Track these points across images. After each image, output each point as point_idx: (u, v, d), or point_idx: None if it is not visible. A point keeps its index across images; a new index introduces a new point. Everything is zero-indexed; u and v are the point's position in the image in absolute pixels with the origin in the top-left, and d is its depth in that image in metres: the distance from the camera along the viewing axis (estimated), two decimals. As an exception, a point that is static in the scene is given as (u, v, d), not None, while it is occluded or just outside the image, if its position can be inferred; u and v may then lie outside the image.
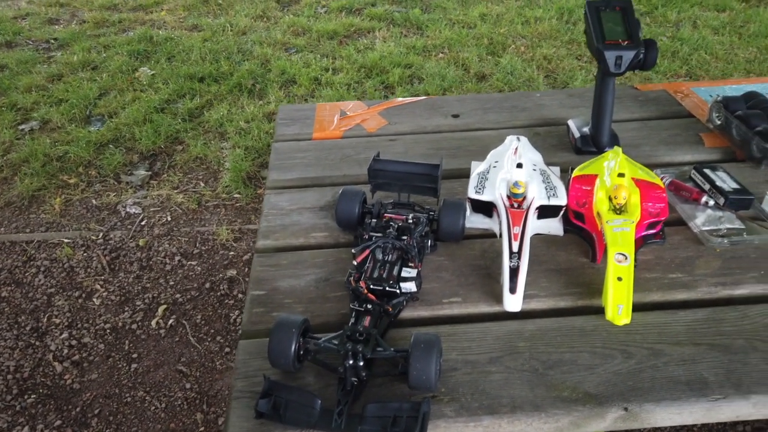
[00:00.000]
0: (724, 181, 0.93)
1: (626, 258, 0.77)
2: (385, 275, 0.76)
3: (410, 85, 2.88)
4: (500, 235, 0.84)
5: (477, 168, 0.96)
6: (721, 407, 0.65)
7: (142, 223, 2.14)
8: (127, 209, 2.20)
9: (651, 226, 0.86)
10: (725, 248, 0.85)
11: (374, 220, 0.85)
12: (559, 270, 0.82)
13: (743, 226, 0.88)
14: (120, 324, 1.75)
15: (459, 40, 3.30)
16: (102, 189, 2.31)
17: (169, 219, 2.16)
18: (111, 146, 2.50)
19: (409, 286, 0.76)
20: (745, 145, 1.03)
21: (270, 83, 2.93)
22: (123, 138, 2.57)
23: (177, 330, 1.74)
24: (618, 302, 0.74)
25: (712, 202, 0.91)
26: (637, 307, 0.75)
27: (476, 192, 0.90)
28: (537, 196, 0.87)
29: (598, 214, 0.85)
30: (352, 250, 0.80)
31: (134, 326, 1.75)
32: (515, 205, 0.87)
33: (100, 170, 2.40)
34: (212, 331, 1.74)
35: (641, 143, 1.10)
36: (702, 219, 0.89)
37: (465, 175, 1.01)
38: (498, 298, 0.78)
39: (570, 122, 1.12)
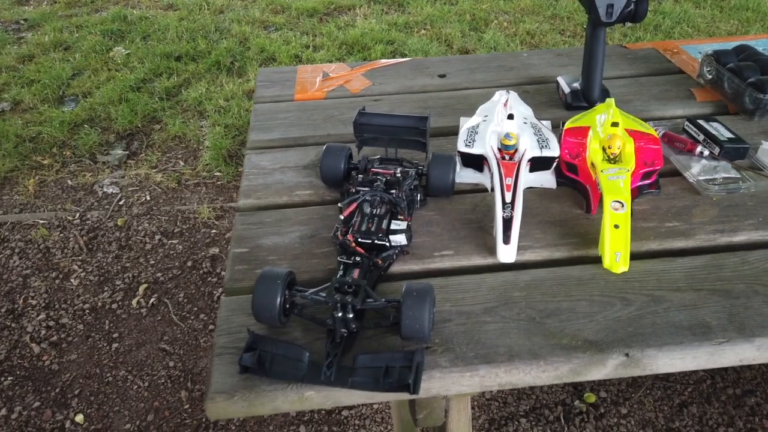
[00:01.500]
0: (719, 131, 0.91)
1: (623, 205, 0.74)
2: (373, 228, 0.73)
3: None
4: (492, 189, 0.81)
5: (466, 123, 0.93)
6: (725, 351, 0.63)
7: (120, 202, 2.08)
8: (105, 189, 2.14)
9: (646, 176, 0.83)
10: (722, 197, 0.83)
11: (361, 176, 0.81)
12: (554, 222, 0.80)
13: (739, 175, 0.86)
14: (99, 304, 1.70)
15: (441, 16, 3.26)
16: (77, 169, 2.24)
17: (148, 198, 2.11)
18: (86, 126, 2.43)
19: (399, 239, 0.73)
20: (738, 98, 1.01)
21: (249, 61, 2.87)
22: (98, 118, 2.49)
23: (159, 309, 1.70)
24: (615, 249, 0.71)
25: (707, 152, 0.89)
26: (635, 256, 0.73)
27: (466, 145, 0.87)
28: (529, 148, 0.84)
29: (592, 164, 0.82)
30: (339, 204, 0.77)
31: (114, 306, 1.70)
32: (507, 157, 0.84)
33: (75, 150, 2.32)
34: (195, 309, 1.69)
35: (632, 99, 1.07)
36: (697, 169, 0.87)
37: (453, 132, 0.98)
38: (491, 251, 0.75)
39: (559, 78, 1.09)
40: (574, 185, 0.85)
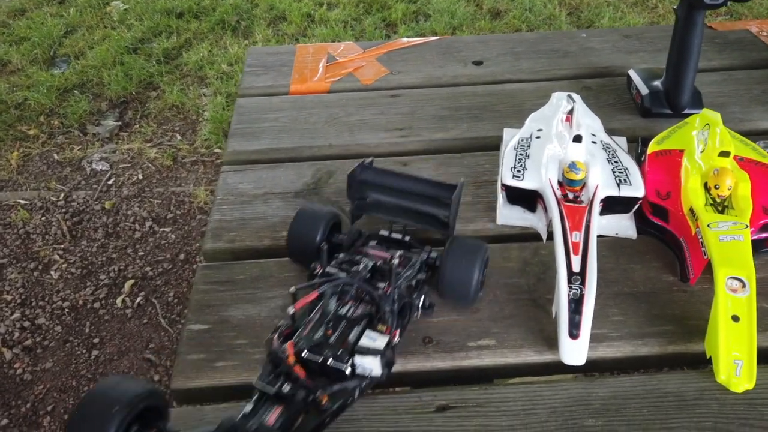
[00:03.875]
0: None
1: (744, 285, 0.52)
2: (332, 340, 0.46)
3: (415, 23, 2.55)
4: (547, 238, 0.58)
5: (512, 139, 0.70)
6: None
7: (110, 182, 1.88)
8: (93, 165, 1.94)
9: (765, 227, 0.60)
10: None
11: (342, 255, 0.56)
12: (635, 294, 0.57)
13: None
14: (80, 302, 1.52)
15: (471, -29, 2.93)
16: (65, 142, 2.04)
17: (140, 177, 1.90)
18: (76, 92, 2.21)
19: (369, 365, 0.45)
20: None
21: (257, 20, 2.61)
22: (90, 83, 2.27)
23: (146, 310, 1.51)
24: (734, 356, 0.49)
25: (844, 191, 0.64)
26: (762, 358, 0.50)
27: (514, 177, 0.64)
28: (602, 184, 0.61)
29: (690, 210, 0.59)
30: (291, 289, 0.50)
31: (96, 305, 1.52)
32: (571, 196, 0.61)
33: (64, 120, 2.11)
34: (186, 311, 1.50)
35: (726, 102, 0.83)
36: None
37: (493, 146, 0.75)
38: (549, 341, 0.53)
39: (632, 72, 0.84)
40: (662, 235, 0.62)
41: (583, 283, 0.53)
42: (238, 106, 0.84)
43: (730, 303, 0.51)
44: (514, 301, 0.57)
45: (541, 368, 0.52)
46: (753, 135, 0.74)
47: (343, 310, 0.49)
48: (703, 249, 0.56)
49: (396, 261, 0.52)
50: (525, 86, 0.87)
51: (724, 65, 0.91)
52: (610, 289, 0.58)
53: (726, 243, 0.54)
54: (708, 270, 0.55)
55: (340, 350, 0.45)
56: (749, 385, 0.48)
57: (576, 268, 0.54)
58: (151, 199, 1.82)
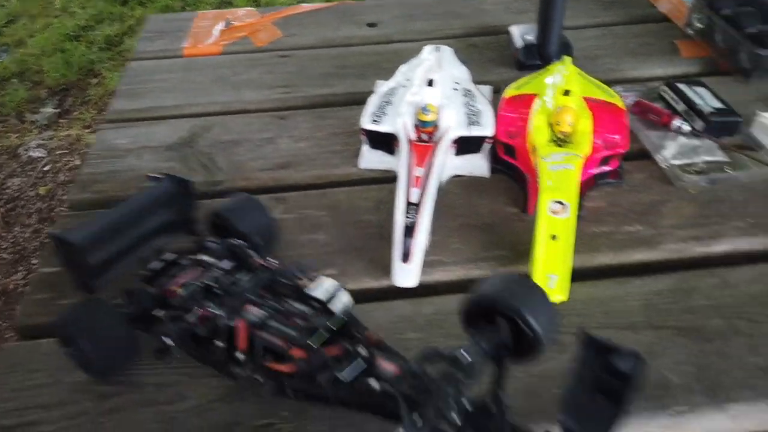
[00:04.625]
0: (704, 98, 0.70)
1: (564, 208, 0.55)
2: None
3: None
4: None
5: (380, 88, 0.72)
6: (689, 422, 0.45)
7: (45, 168, 1.87)
8: (30, 153, 1.93)
9: (605, 160, 0.64)
10: (702, 189, 0.63)
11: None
12: (479, 225, 0.60)
13: (726, 159, 0.66)
14: (11, 287, 1.52)
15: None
16: (2, 130, 2.02)
17: (77, 163, 1.90)
18: (15, 81, 2.19)
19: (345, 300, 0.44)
20: (732, 53, 0.80)
21: (202, 5, 2.60)
22: (29, 71, 2.25)
23: (80, 290, 1.52)
24: (549, 270, 0.52)
25: (686, 127, 0.68)
26: (579, 275, 0.54)
27: (373, 121, 0.66)
28: (454, 125, 0.64)
29: (533, 147, 0.62)
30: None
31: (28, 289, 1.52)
32: (424, 137, 0.64)
33: (1, 108, 2.09)
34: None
35: (601, 54, 0.86)
36: (672, 150, 0.67)
37: (370, 99, 0.78)
38: (389, 270, 0.56)
39: (512, 28, 0.88)
40: (512, 173, 0.66)
41: (417, 212, 0.56)
42: (128, 69, 0.85)
43: (550, 224, 0.54)
44: (364, 235, 0.60)
45: (377, 294, 0.54)
46: (620, 83, 0.77)
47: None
48: (538, 180, 0.59)
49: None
50: (413, 45, 0.89)
51: (607, 21, 0.94)
52: (455, 222, 0.61)
53: (555, 171, 0.58)
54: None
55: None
56: (563, 297, 0.52)
57: (414, 199, 0.57)
58: (87, 162, 1.81)
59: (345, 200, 0.64)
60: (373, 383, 0.38)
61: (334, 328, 0.42)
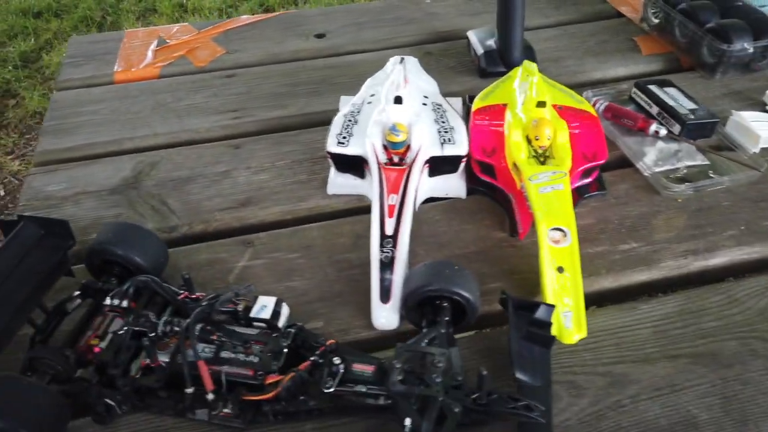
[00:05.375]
0: (677, 100, 0.68)
1: (565, 235, 0.51)
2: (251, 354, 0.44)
3: (294, 5, 2.48)
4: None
5: (345, 106, 0.67)
6: (722, 461, 0.42)
7: (-36, 202, 1.70)
8: (-56, 187, 1.75)
9: (586, 173, 0.60)
10: (688, 197, 0.61)
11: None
12: (466, 255, 0.56)
13: (706, 162, 0.64)
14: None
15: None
16: None
17: (2, 193, 1.74)
18: None
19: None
20: (693, 49, 0.79)
21: (124, 14, 2.45)
22: (-64, 96, 2.05)
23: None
24: (562, 309, 0.48)
25: (663, 131, 0.66)
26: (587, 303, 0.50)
27: (339, 144, 0.61)
28: (426, 144, 0.60)
29: (514, 165, 0.58)
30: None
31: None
32: (396, 159, 0.59)
33: None
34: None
35: (562, 56, 0.83)
36: (653, 155, 0.65)
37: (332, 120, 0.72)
38: (375, 312, 0.51)
39: (470, 34, 0.83)
40: (493, 193, 0.61)
41: (394, 245, 0.51)
42: (53, 101, 0.76)
43: (554, 255, 0.50)
44: (344, 279, 0.54)
45: (376, 343, 0.49)
46: (586, 86, 0.75)
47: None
48: (528, 203, 0.55)
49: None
50: (367, 56, 0.85)
51: (561, 21, 0.92)
52: (441, 253, 0.56)
53: (546, 194, 0.54)
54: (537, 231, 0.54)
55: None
56: (582, 334, 0.48)
57: (389, 231, 0.52)
58: (17, 215, 1.67)
59: (319, 238, 0.58)
60: (359, 387, 0.41)
61: (290, 344, 0.43)
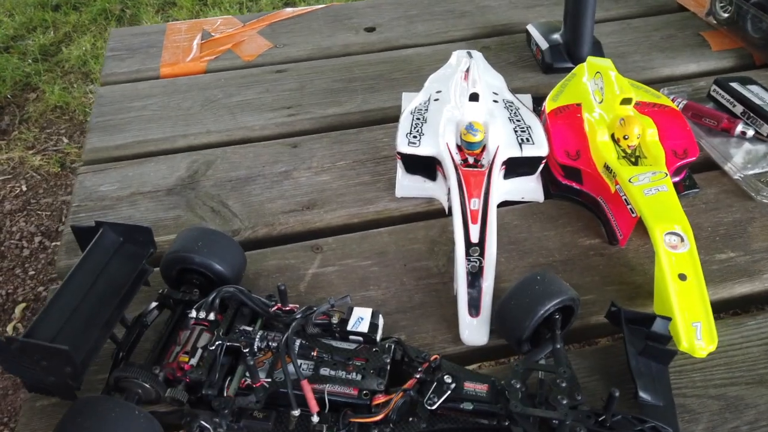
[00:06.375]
0: (763, 98, 0.65)
1: (683, 240, 0.47)
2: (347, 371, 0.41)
3: None
4: (450, 211, 0.53)
5: (411, 103, 0.63)
6: None
7: (-13, 198, 1.68)
8: (-33, 182, 1.73)
9: (677, 171, 0.57)
10: (783, 201, 0.57)
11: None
12: (551, 264, 0.52)
13: (798, 165, 0.60)
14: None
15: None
16: (-69, 158, 1.81)
17: (24, 189, 1.72)
18: (-60, 101, 1.97)
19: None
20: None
21: (143, 7, 2.41)
22: (-44, 89, 2.03)
23: (42, 335, 1.36)
24: (692, 318, 0.44)
25: (750, 132, 0.62)
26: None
27: (410, 144, 0.57)
28: (503, 145, 0.56)
29: (606, 167, 0.54)
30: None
31: (-17, 336, 1.35)
32: (471, 160, 0.56)
33: (-73, 134, 1.88)
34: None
35: (627, 51, 0.79)
36: (741, 157, 0.61)
37: (392, 117, 0.68)
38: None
39: (531, 27, 0.80)
40: (578, 197, 0.58)
41: (482, 254, 0.48)
42: (98, 96, 0.73)
43: (674, 261, 0.46)
44: (424, 288, 0.51)
45: (464, 358, 0.46)
46: (656, 83, 0.71)
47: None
48: (629, 207, 0.51)
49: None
50: (421, 50, 0.81)
51: (622, 14, 0.88)
52: (524, 261, 0.53)
53: (652, 196, 0.50)
54: (637, 228, 0.50)
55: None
56: (713, 347, 0.44)
57: (474, 238, 0.49)
58: (39, 212, 1.64)
59: (391, 243, 0.54)
60: (465, 405, 0.38)
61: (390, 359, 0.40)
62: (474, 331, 0.46)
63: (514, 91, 0.68)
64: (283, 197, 0.59)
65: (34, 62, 2.13)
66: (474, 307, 0.46)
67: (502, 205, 0.58)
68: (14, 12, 2.39)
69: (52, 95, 1.99)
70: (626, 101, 0.57)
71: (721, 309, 0.49)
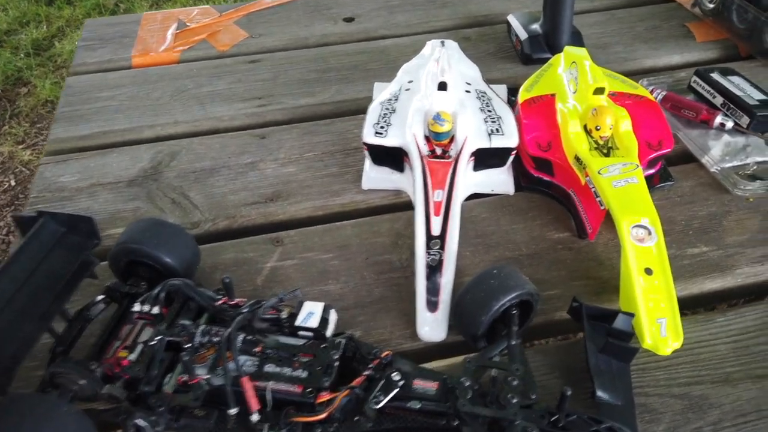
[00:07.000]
0: (744, 89, 0.63)
1: (650, 233, 0.46)
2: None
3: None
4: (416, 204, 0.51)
5: (381, 93, 0.62)
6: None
7: (-25, 192, 1.67)
8: (-45, 176, 1.72)
9: (652, 163, 0.55)
10: (761, 195, 0.55)
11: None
12: (517, 258, 0.51)
13: (778, 158, 0.59)
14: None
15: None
16: None
17: (13, 184, 1.71)
18: (-70, 95, 1.96)
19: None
20: (754, 35, 0.73)
21: (137, 1, 2.40)
22: (-53, 84, 2.02)
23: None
24: (656, 315, 0.43)
25: (730, 123, 0.61)
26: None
27: (376, 134, 0.56)
28: (472, 136, 0.54)
29: (576, 158, 0.53)
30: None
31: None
32: (439, 151, 0.54)
33: None
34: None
35: (609, 42, 0.78)
36: (719, 150, 0.59)
37: (365, 108, 0.66)
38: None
39: (511, 18, 0.78)
40: (549, 190, 0.56)
41: (442, 247, 0.46)
42: (66, 86, 0.71)
43: (639, 255, 0.45)
44: (385, 282, 0.49)
45: (421, 355, 0.44)
46: (638, 74, 0.69)
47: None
48: (598, 199, 0.50)
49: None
50: (400, 41, 0.79)
51: (606, 5, 0.86)
52: (490, 255, 0.51)
53: (620, 188, 0.48)
54: (608, 221, 0.49)
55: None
56: (678, 344, 0.42)
57: (436, 231, 0.47)
58: (28, 207, 1.63)
59: (355, 237, 0.53)
60: (413, 404, 0.36)
61: (341, 356, 0.39)
62: (431, 326, 0.45)
63: (492, 81, 0.66)
64: (247, 189, 0.58)
65: (27, 56, 2.12)
66: (432, 303, 0.45)
67: (472, 197, 0.56)
68: (8, 6, 2.38)
69: (44, 89, 1.97)
70: (599, 91, 0.56)
71: (691, 305, 0.48)
